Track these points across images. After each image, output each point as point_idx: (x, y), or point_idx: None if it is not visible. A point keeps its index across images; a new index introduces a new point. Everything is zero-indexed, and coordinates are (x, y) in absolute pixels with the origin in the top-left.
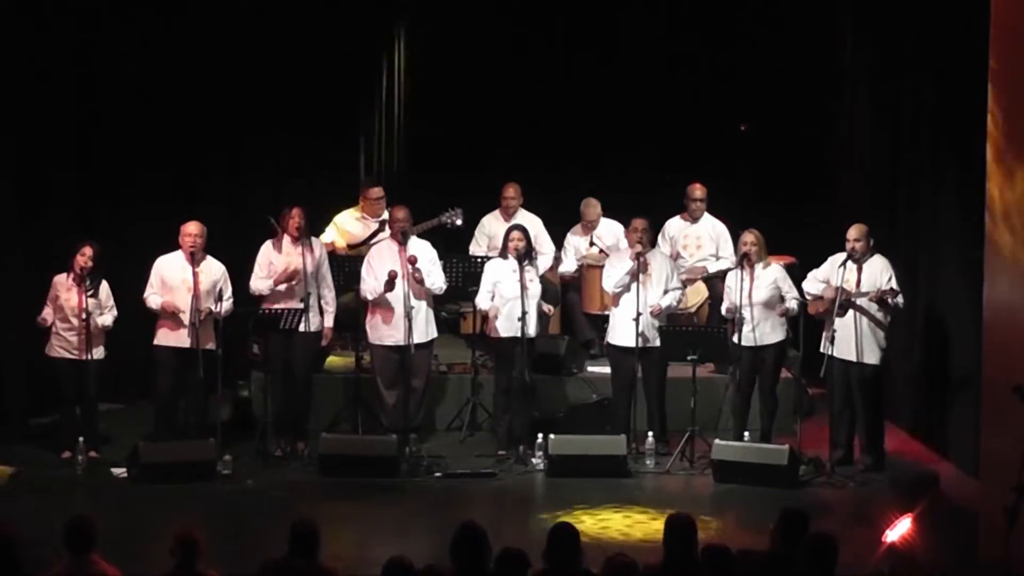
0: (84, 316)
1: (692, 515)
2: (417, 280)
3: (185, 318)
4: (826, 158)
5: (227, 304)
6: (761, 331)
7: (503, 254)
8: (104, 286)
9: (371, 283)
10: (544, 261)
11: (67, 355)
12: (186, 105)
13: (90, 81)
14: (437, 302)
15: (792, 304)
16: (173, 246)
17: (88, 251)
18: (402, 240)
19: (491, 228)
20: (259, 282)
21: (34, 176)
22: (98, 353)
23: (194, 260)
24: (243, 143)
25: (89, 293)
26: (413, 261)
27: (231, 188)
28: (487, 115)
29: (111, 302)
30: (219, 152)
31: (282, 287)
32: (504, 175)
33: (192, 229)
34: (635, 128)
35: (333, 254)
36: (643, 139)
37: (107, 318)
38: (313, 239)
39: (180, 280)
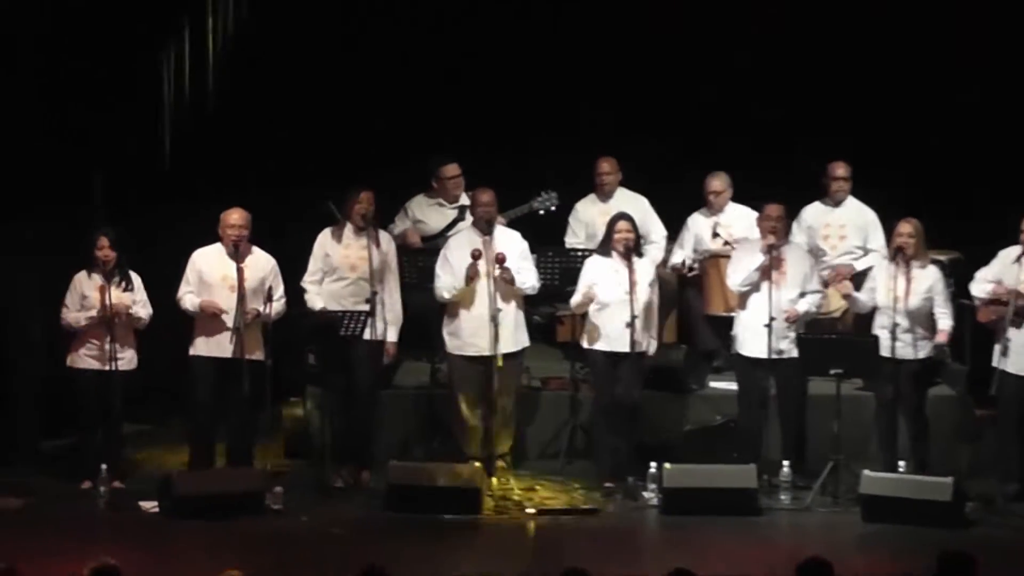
0: (112, 317)
1: (833, 561)
2: (505, 280)
3: (228, 322)
4: (994, 130)
5: (278, 305)
6: (910, 340)
7: (604, 248)
8: (136, 279)
9: (447, 280)
10: (655, 251)
11: (93, 365)
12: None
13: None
14: (529, 304)
15: (805, 306)
16: (212, 238)
17: (104, 241)
18: (486, 229)
19: (586, 214)
20: (311, 287)
21: (46, 163)
22: (127, 362)
23: (238, 253)
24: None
25: (122, 288)
26: (501, 260)
27: (280, 167)
28: (575, 76)
29: (144, 295)
30: (267, 124)
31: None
32: (596, 148)
33: (235, 218)
34: (764, 92)
35: (404, 248)
36: (772, 105)
37: (141, 311)
38: (381, 232)
39: (221, 277)
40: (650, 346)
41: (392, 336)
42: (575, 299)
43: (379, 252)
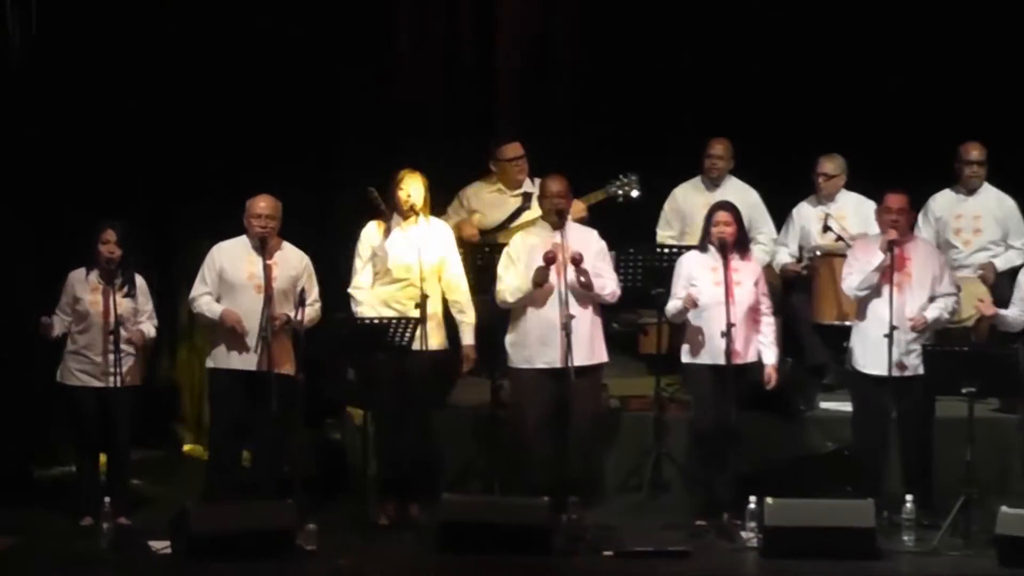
0: (114, 325)
1: None
2: (584, 286)
3: (253, 330)
4: None
5: (311, 311)
6: None
7: (702, 243)
8: (140, 282)
9: (512, 282)
10: (759, 253)
11: (90, 382)
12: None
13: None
14: (607, 311)
15: (934, 313)
16: (235, 230)
17: (111, 236)
18: (557, 223)
19: (687, 201)
20: (361, 295)
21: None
22: (132, 378)
23: (265, 249)
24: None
25: (123, 292)
26: (578, 261)
27: (315, 147)
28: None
29: (150, 305)
30: (296, 97)
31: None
32: (706, 129)
33: (263, 207)
34: (885, 60)
35: (459, 243)
36: (893, 74)
37: (148, 326)
38: (435, 220)
39: (246, 276)
40: (767, 357)
41: (469, 338)
42: (672, 304)
43: (432, 245)
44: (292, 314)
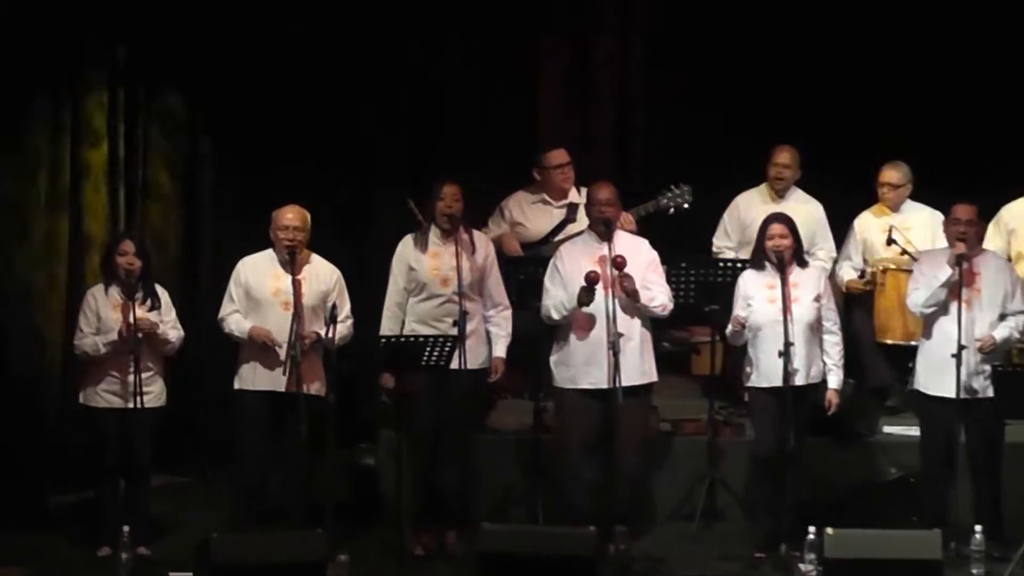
0: (136, 340)
1: None
2: (626, 291)
3: (281, 349)
4: None
5: (343, 328)
6: None
7: (756, 258)
8: (163, 294)
9: (558, 297)
10: (817, 268)
11: (114, 402)
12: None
13: None
14: (658, 329)
15: (1005, 332)
16: (261, 243)
17: (129, 247)
18: (605, 234)
19: (748, 212)
20: (394, 313)
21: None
22: (155, 398)
23: (294, 263)
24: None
25: (147, 305)
26: (621, 264)
27: (345, 156)
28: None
29: (173, 314)
30: (326, 102)
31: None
32: (770, 137)
33: (290, 218)
34: (949, 64)
35: (500, 257)
36: (958, 81)
37: (170, 332)
38: (475, 232)
39: (272, 292)
40: (831, 379)
41: (501, 351)
42: (728, 327)
43: (472, 260)
44: (322, 332)
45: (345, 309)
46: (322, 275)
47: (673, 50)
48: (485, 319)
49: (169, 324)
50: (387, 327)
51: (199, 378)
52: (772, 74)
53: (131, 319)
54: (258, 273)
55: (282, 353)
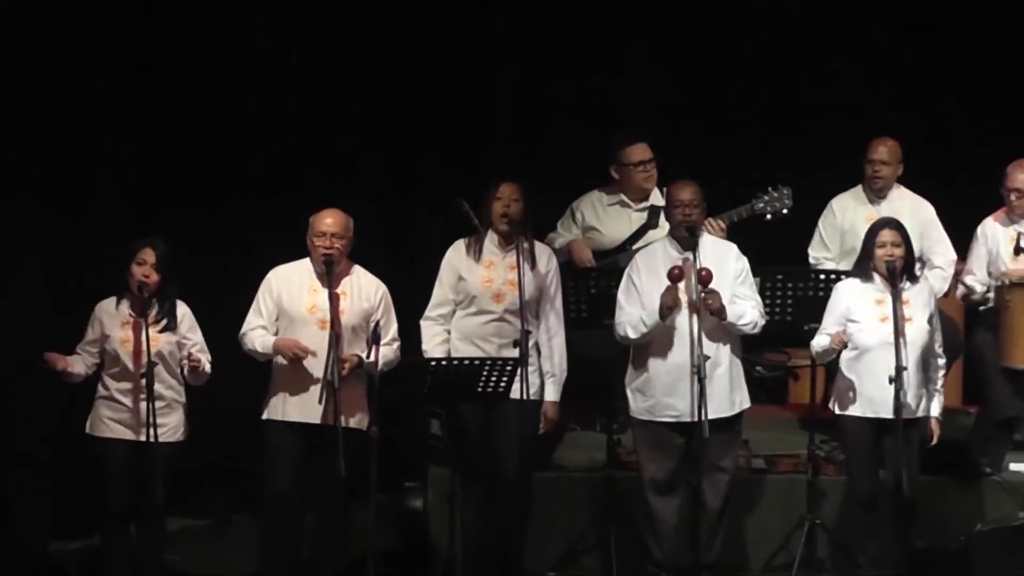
0: (147, 366)
1: None
2: (712, 309)
3: (316, 372)
4: None
5: (389, 351)
6: None
7: (861, 268)
8: (186, 312)
9: (634, 314)
10: (937, 281)
11: (124, 434)
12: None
13: None
14: (750, 350)
15: None
16: (296, 252)
17: (148, 256)
18: (688, 241)
19: (846, 216)
20: (433, 327)
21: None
22: (171, 431)
23: (332, 274)
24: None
25: (161, 324)
26: (706, 280)
27: (387, 151)
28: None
29: (199, 335)
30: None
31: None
32: (867, 131)
33: (329, 223)
34: None
35: (569, 268)
36: None
37: (203, 359)
38: (538, 244)
39: (307, 308)
40: (932, 408)
41: (552, 394)
42: (819, 342)
43: (533, 273)
44: (365, 355)
45: (391, 330)
46: (365, 290)
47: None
48: (538, 350)
49: (196, 346)
50: (427, 339)
51: (223, 407)
52: (865, 57)
53: (144, 341)
54: (291, 285)
55: (318, 375)
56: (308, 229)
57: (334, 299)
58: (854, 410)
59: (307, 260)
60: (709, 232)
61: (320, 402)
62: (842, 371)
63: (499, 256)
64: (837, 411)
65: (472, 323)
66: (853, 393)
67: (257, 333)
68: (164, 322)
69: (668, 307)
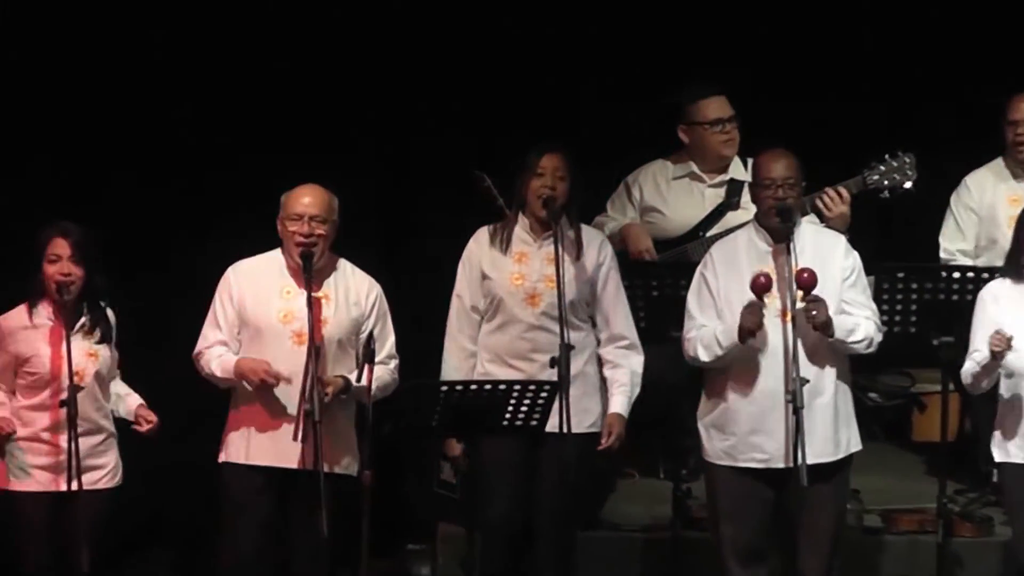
0: (70, 392)
1: None
2: (815, 323)
3: (290, 401)
4: None
5: (385, 372)
6: None
7: (1011, 265)
8: (113, 318)
9: (707, 327)
10: None
11: (48, 485)
12: None
13: None
14: (859, 372)
15: None
16: (264, 243)
17: (63, 248)
18: (782, 230)
19: (984, 196)
20: (459, 352)
21: None
22: (109, 474)
23: (311, 272)
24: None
25: (94, 337)
26: (808, 283)
27: (382, 115)
28: None
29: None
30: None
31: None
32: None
33: (307, 202)
34: None
35: (622, 260)
36: None
37: (127, 395)
38: (585, 228)
39: (278, 316)
40: None
41: (620, 405)
42: (970, 365)
43: (579, 266)
44: (352, 376)
45: (388, 344)
46: (354, 291)
47: None
48: (599, 358)
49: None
50: (452, 367)
51: (167, 445)
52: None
53: (65, 359)
54: (258, 286)
55: (292, 406)
56: (280, 211)
57: (314, 306)
58: (1016, 454)
59: (277, 253)
60: (826, 206)
61: (296, 440)
62: (1003, 398)
63: (533, 246)
64: (997, 456)
65: (504, 338)
66: (1013, 427)
67: (215, 352)
68: (98, 332)
69: (750, 331)
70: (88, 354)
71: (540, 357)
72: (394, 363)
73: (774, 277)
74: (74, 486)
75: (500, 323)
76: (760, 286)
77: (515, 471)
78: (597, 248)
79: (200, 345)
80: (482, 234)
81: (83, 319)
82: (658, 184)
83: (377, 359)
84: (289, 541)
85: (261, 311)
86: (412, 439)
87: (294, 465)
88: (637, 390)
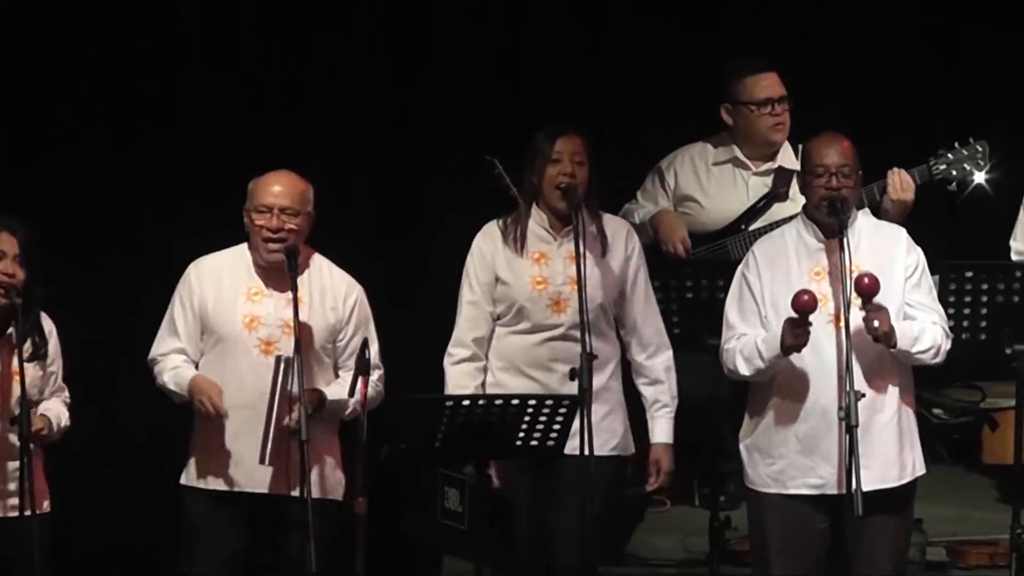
0: (20, 411)
1: None
2: (877, 337)
3: (258, 419)
4: None
5: (369, 387)
6: None
7: None
8: (52, 329)
9: (749, 335)
10: None
11: None
12: None
13: None
14: (923, 385)
15: None
16: (228, 238)
17: (9, 244)
18: (833, 225)
19: None
20: (459, 364)
21: None
22: (40, 500)
23: (295, 271)
24: None
25: (27, 352)
26: (869, 289)
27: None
28: None
29: (58, 365)
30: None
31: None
32: None
33: (278, 191)
34: None
35: (656, 251)
36: None
37: (57, 410)
38: (608, 219)
39: (243, 321)
40: None
41: (664, 433)
42: None
43: (604, 264)
44: (329, 390)
45: (372, 352)
46: (331, 293)
47: None
48: (633, 370)
49: (52, 387)
50: (456, 380)
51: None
52: None
53: (10, 375)
54: (222, 287)
55: (258, 426)
56: (247, 201)
57: (287, 308)
58: None
59: (243, 248)
60: (893, 187)
61: (264, 463)
62: None
63: (553, 244)
64: None
65: (522, 344)
66: None
67: (172, 362)
68: (31, 346)
69: (793, 347)
70: (28, 369)
71: (560, 367)
72: (378, 374)
73: (826, 275)
74: (9, 512)
75: (520, 328)
76: (803, 305)
77: (532, 501)
78: (624, 241)
79: (155, 351)
80: (492, 229)
81: (17, 328)
82: (696, 170)
83: (366, 368)
84: None
85: (223, 316)
86: (412, 463)
87: (266, 490)
88: (676, 403)
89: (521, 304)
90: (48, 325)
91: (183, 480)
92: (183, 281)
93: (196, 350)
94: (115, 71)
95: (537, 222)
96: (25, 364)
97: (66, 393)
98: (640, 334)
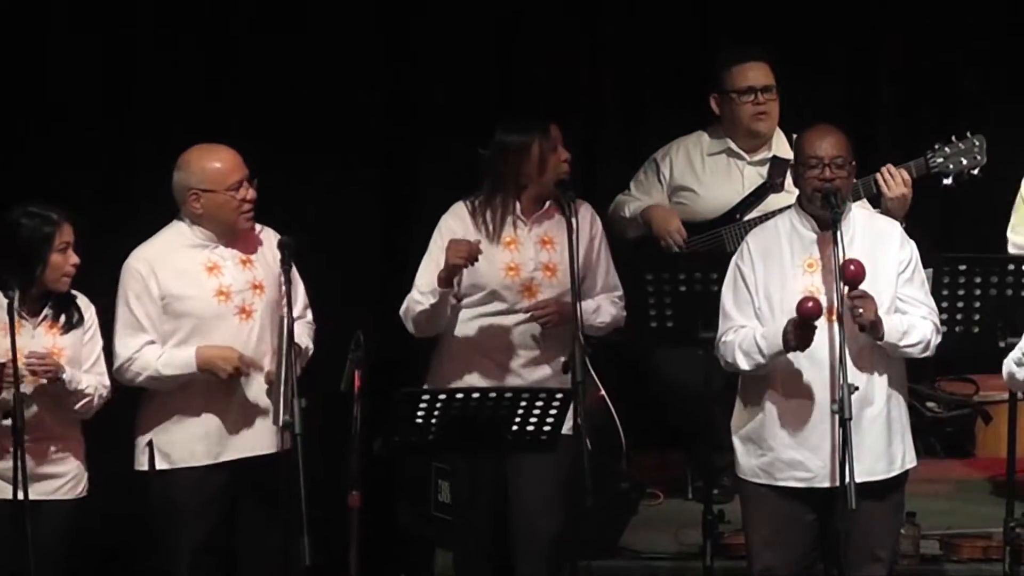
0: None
1: None
2: (864, 327)
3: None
4: None
5: (303, 333)
6: None
7: None
8: (88, 310)
9: (746, 328)
10: None
11: (4, 492)
12: None
13: None
14: (916, 378)
15: None
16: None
17: (69, 235)
18: (828, 216)
19: None
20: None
21: None
22: (67, 485)
23: (290, 258)
24: None
25: (58, 328)
26: (855, 276)
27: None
28: None
29: (99, 347)
30: None
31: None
32: None
33: (239, 164)
34: None
35: (647, 247)
36: None
37: (96, 383)
38: (581, 203)
39: (213, 293)
40: None
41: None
42: (1011, 365)
43: (594, 252)
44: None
45: (300, 303)
46: (269, 248)
47: None
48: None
49: (92, 362)
50: (415, 298)
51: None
52: None
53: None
54: (177, 271)
55: (242, 391)
56: (186, 178)
57: (245, 268)
58: None
59: (179, 226)
60: (885, 185)
61: (277, 421)
62: None
63: (524, 229)
64: None
65: (491, 326)
66: None
67: (151, 352)
68: (63, 319)
69: (796, 347)
70: (55, 351)
71: (527, 354)
72: (308, 320)
73: (819, 267)
74: (20, 494)
75: (493, 311)
76: (808, 312)
77: (528, 498)
78: (589, 223)
79: (124, 354)
80: (460, 210)
81: (47, 310)
82: (691, 159)
83: (295, 314)
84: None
85: (195, 299)
86: (406, 455)
87: (251, 453)
88: (600, 318)
89: (493, 288)
90: (85, 303)
91: (159, 465)
92: (130, 277)
93: (163, 341)
94: (115, 71)
95: (510, 208)
96: (61, 336)
97: (105, 378)
98: (606, 282)
